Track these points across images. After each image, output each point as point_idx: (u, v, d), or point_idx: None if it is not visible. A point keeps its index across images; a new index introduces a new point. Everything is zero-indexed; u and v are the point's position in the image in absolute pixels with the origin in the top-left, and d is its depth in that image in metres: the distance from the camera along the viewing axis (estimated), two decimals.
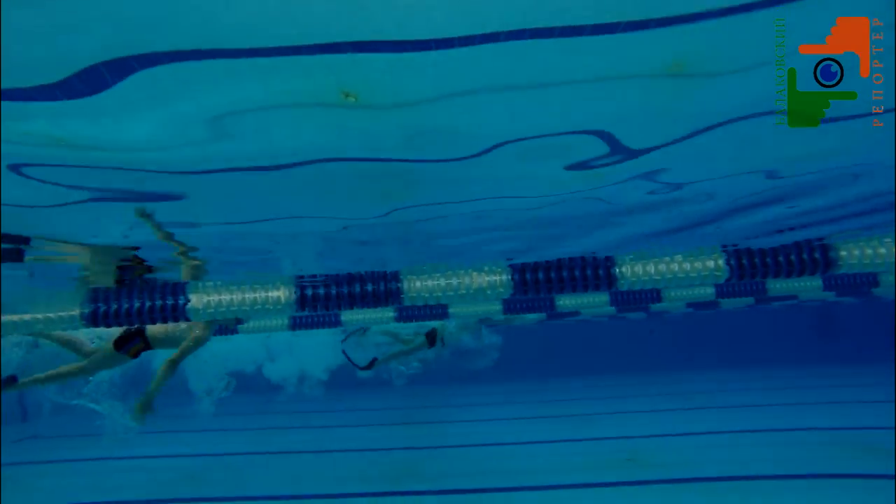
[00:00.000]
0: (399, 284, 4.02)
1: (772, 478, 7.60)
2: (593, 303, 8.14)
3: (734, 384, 17.83)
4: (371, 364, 9.86)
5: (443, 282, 3.96)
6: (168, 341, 5.64)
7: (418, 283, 4.01)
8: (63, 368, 5.69)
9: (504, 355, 13.65)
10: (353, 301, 4.05)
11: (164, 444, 12.72)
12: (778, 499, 6.90)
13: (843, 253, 3.92)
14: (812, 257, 3.91)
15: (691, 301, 9.13)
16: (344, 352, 10.01)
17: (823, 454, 8.59)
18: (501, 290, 3.99)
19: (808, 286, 7.93)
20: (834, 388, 15.64)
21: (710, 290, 7.74)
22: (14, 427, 15.79)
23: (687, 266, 3.93)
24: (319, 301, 4.03)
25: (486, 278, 3.96)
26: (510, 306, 7.93)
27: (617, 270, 3.96)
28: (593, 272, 3.98)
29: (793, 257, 3.93)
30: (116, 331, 5.63)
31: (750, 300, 9.90)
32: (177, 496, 8.77)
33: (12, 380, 5.53)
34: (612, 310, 11.07)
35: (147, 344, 5.68)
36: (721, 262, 3.93)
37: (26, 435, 14.98)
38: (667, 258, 3.95)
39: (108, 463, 11.02)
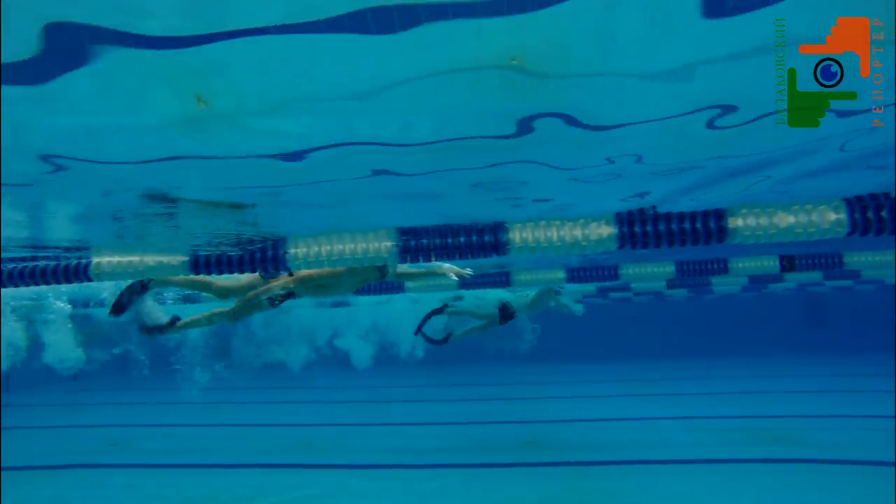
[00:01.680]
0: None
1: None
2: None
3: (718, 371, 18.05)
4: (446, 339, 9.76)
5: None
6: (321, 288, 5.40)
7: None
8: (217, 311, 5.63)
9: None
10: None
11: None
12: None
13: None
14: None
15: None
16: (421, 332, 9.79)
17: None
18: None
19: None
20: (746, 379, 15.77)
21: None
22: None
23: None
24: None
25: None
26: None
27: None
28: None
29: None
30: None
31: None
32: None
33: (174, 321, 5.65)
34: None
35: (293, 292, 5.45)
36: None
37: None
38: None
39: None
